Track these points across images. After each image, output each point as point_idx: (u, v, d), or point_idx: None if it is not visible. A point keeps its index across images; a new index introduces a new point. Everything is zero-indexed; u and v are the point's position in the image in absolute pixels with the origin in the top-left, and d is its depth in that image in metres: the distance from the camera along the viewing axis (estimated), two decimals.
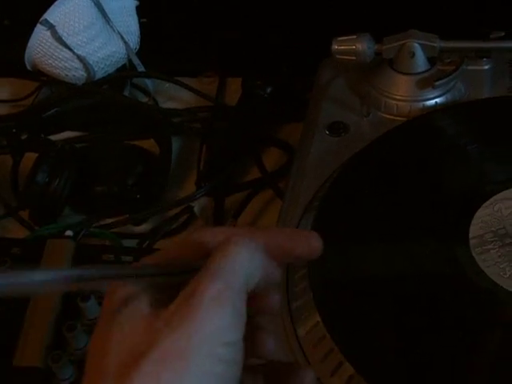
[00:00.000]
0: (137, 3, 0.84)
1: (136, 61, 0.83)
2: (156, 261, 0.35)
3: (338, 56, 0.67)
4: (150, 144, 0.78)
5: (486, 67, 0.68)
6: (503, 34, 0.66)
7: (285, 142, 0.77)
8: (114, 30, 0.81)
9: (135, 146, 0.78)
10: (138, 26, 0.84)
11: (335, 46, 0.67)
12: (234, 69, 0.85)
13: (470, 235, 0.52)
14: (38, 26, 0.78)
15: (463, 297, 0.49)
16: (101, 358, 0.31)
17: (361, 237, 0.54)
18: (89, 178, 0.73)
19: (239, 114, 0.78)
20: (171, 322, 0.31)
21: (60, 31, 0.78)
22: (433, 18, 0.72)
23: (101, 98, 0.81)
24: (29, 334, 0.56)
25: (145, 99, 0.84)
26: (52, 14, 0.78)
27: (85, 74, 0.81)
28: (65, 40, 0.79)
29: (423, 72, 0.66)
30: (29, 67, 0.82)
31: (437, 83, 0.64)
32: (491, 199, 0.54)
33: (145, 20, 0.85)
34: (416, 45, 0.65)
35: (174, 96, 0.85)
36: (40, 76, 0.84)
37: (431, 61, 0.66)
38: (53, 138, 0.78)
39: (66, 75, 0.81)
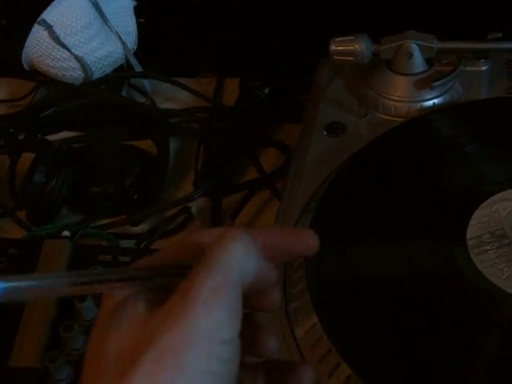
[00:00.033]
0: (134, 3, 0.84)
1: (133, 61, 0.83)
2: (154, 262, 0.35)
3: (335, 57, 0.67)
4: (147, 144, 0.78)
5: (484, 68, 0.68)
6: (501, 35, 0.66)
7: (282, 142, 0.77)
8: (111, 30, 0.81)
9: (133, 147, 0.78)
10: (135, 26, 0.84)
11: (333, 47, 0.67)
12: (231, 69, 0.85)
13: (468, 236, 0.52)
14: (36, 25, 0.78)
15: (461, 297, 0.49)
16: (99, 359, 0.31)
17: (358, 237, 0.54)
18: (86, 178, 0.73)
19: (237, 114, 0.78)
20: (166, 320, 0.30)
21: (57, 31, 0.78)
22: (430, 19, 0.72)
23: (98, 99, 0.80)
24: (25, 335, 0.55)
25: (142, 99, 0.84)
26: (49, 14, 0.78)
27: (82, 74, 0.81)
28: (62, 40, 0.79)
29: (421, 73, 0.66)
30: (26, 67, 0.82)
31: (434, 84, 0.64)
32: (489, 200, 0.54)
33: (142, 20, 0.85)
34: (414, 45, 0.65)
35: (171, 96, 0.85)
36: (37, 76, 0.84)
37: (429, 62, 0.66)
38: (50, 138, 0.78)
39: (64, 75, 0.81)
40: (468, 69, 0.67)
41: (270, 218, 0.68)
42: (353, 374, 0.46)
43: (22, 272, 0.58)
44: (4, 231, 0.71)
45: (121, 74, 0.84)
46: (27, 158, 0.72)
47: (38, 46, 0.79)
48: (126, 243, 0.68)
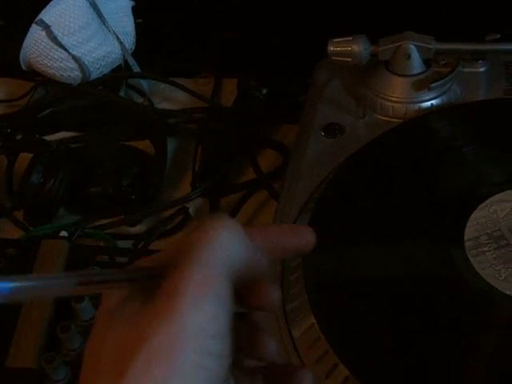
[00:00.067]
0: (132, 4, 0.84)
1: (131, 61, 0.83)
2: (152, 263, 0.35)
3: (333, 57, 0.67)
4: (145, 145, 0.78)
5: (482, 69, 0.68)
6: (499, 36, 0.66)
7: (280, 143, 0.77)
8: (109, 31, 0.81)
9: (130, 147, 0.78)
10: (133, 26, 0.84)
11: (331, 48, 0.67)
12: (230, 69, 0.85)
13: (466, 237, 0.52)
14: (34, 26, 0.78)
15: (459, 299, 0.49)
16: (97, 359, 0.31)
17: (356, 238, 0.54)
18: (84, 178, 0.73)
19: (235, 115, 0.78)
20: (154, 320, 0.30)
21: (55, 31, 0.78)
22: (428, 20, 0.72)
23: (96, 99, 0.80)
24: (22, 335, 0.55)
25: (140, 100, 0.84)
26: (47, 14, 0.78)
27: (80, 75, 0.81)
28: (60, 40, 0.78)
29: (419, 74, 0.66)
30: (24, 67, 0.82)
31: (432, 85, 0.64)
32: (487, 201, 0.54)
33: (140, 20, 0.85)
34: (412, 46, 0.65)
35: (169, 97, 0.85)
36: (35, 76, 0.84)
37: (427, 63, 0.66)
38: (48, 138, 0.78)
39: (62, 75, 0.81)
40: (466, 70, 0.67)
41: (267, 218, 0.68)
42: (350, 375, 0.46)
43: (19, 272, 0.58)
44: (1, 231, 0.71)
45: (119, 74, 0.84)
46: (25, 158, 0.72)
47: (35, 46, 0.79)
48: (123, 244, 0.68)
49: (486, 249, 0.51)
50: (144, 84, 0.85)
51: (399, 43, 0.65)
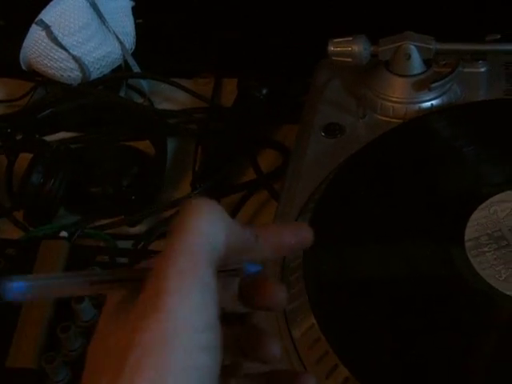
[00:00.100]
0: (132, 4, 0.84)
1: (131, 61, 0.83)
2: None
3: (334, 58, 0.67)
4: (145, 145, 0.78)
5: (482, 70, 0.68)
6: (499, 36, 0.66)
7: (280, 143, 0.77)
8: (109, 31, 0.81)
9: (130, 147, 0.78)
10: (133, 26, 0.84)
11: (331, 48, 0.67)
12: (230, 69, 0.85)
13: (466, 237, 0.52)
14: (34, 26, 0.78)
15: (459, 299, 0.49)
16: (97, 359, 0.31)
17: (356, 239, 0.54)
18: (84, 178, 0.73)
19: (235, 115, 0.78)
20: (143, 315, 0.29)
21: (55, 31, 0.78)
22: (429, 20, 0.72)
23: (96, 99, 0.80)
24: (22, 335, 0.55)
25: (140, 100, 0.84)
26: (47, 15, 0.78)
27: (80, 75, 0.81)
28: (60, 40, 0.78)
29: (419, 74, 0.66)
30: (24, 67, 0.82)
31: (433, 85, 0.64)
32: (487, 201, 0.54)
33: (140, 21, 0.85)
34: (412, 47, 0.65)
35: (169, 97, 0.85)
36: (35, 76, 0.84)
37: (427, 63, 0.66)
38: (48, 138, 0.78)
39: (62, 75, 0.81)
40: (466, 70, 0.67)
41: (267, 218, 0.68)
42: (350, 376, 0.46)
43: (19, 273, 0.58)
44: (1, 232, 0.71)
45: (119, 74, 0.84)
46: (25, 158, 0.72)
47: (35, 47, 0.79)
48: (123, 244, 0.68)
49: (486, 249, 0.51)
50: (144, 84, 0.85)
51: (399, 43, 0.65)
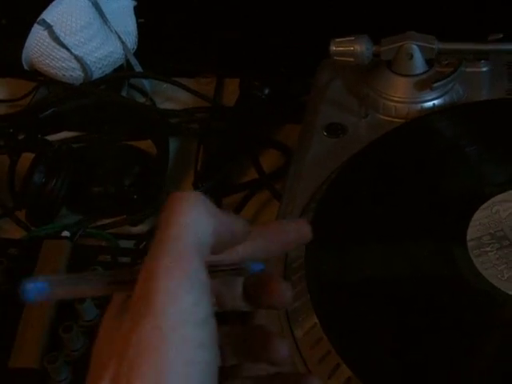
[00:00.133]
0: (135, 3, 0.84)
1: (133, 61, 0.83)
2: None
3: (336, 57, 0.67)
4: (147, 144, 0.78)
5: (484, 69, 0.68)
6: (501, 35, 0.66)
7: (282, 143, 0.77)
8: (111, 30, 0.81)
9: (132, 147, 0.78)
10: (135, 26, 0.84)
11: (333, 48, 0.67)
12: (231, 69, 0.85)
13: (468, 237, 0.52)
14: (36, 25, 0.78)
15: (461, 299, 0.49)
16: (101, 357, 0.31)
17: (358, 238, 0.54)
18: (86, 178, 0.73)
19: (237, 114, 0.78)
20: (138, 316, 0.29)
21: (57, 31, 0.78)
22: (431, 20, 0.71)
23: (98, 99, 0.80)
24: (25, 335, 0.55)
25: (142, 100, 0.84)
26: (49, 14, 0.78)
27: (82, 74, 0.81)
28: (62, 40, 0.79)
29: (421, 74, 0.66)
30: (26, 67, 0.82)
31: (435, 85, 0.64)
32: (489, 201, 0.54)
33: (142, 20, 0.85)
34: (414, 46, 0.65)
35: (171, 96, 0.85)
36: (37, 76, 0.84)
37: (429, 62, 0.66)
38: (50, 138, 0.78)
39: (64, 75, 0.81)
40: (468, 70, 0.67)
41: (269, 218, 0.68)
42: (353, 376, 0.46)
43: (21, 272, 0.58)
44: (3, 231, 0.71)
45: (121, 74, 0.84)
46: (27, 158, 0.72)
47: (37, 46, 0.79)
48: (125, 243, 0.68)
49: (488, 249, 0.51)
50: (146, 84, 0.85)
51: (401, 43, 0.65)
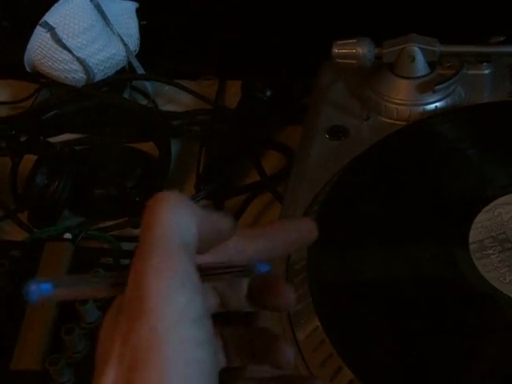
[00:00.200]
0: (137, 5, 0.84)
1: (136, 63, 0.83)
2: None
3: (338, 60, 0.67)
4: (149, 147, 0.78)
5: (486, 72, 0.68)
6: (503, 38, 0.66)
7: (284, 145, 0.77)
8: (113, 33, 0.81)
9: (134, 149, 0.78)
10: (137, 28, 0.84)
11: (335, 50, 0.67)
12: (233, 70, 0.85)
13: (470, 240, 0.52)
14: (38, 27, 0.78)
15: (463, 301, 0.49)
16: (103, 359, 0.31)
17: (361, 241, 0.54)
18: (88, 180, 0.73)
19: (239, 116, 0.78)
20: (132, 317, 0.29)
21: (60, 33, 0.78)
22: (433, 22, 0.71)
23: (100, 101, 0.81)
24: (26, 337, 0.55)
25: (144, 102, 0.84)
26: (52, 16, 0.78)
27: (84, 76, 0.81)
28: (64, 42, 0.79)
29: (423, 76, 0.66)
30: (28, 69, 0.82)
31: (437, 87, 0.64)
32: (491, 204, 0.54)
33: (145, 22, 0.85)
34: (416, 49, 0.65)
35: (173, 99, 0.85)
36: (39, 78, 0.84)
37: (431, 65, 0.66)
38: (52, 140, 0.78)
39: (66, 77, 0.81)
40: (470, 72, 0.67)
41: (271, 220, 0.68)
42: (355, 379, 0.46)
43: (23, 274, 0.58)
44: (6, 233, 0.71)
45: (123, 76, 0.84)
46: (29, 159, 0.72)
47: (40, 48, 0.79)
48: (127, 246, 0.68)
49: (490, 252, 0.51)
50: (148, 86, 0.85)
51: (403, 45, 0.65)
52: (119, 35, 0.82)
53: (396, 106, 0.65)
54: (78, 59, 0.79)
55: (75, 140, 0.80)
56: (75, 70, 0.80)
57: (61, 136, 0.81)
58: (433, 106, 0.65)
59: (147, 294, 0.29)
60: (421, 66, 0.66)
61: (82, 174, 0.72)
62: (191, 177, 0.74)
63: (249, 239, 0.35)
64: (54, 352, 0.54)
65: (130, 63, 0.83)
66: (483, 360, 0.47)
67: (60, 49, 0.79)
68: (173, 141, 0.77)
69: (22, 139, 0.78)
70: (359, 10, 0.78)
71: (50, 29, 0.78)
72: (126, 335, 0.29)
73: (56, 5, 0.78)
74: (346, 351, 0.47)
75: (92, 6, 0.80)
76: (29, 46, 0.79)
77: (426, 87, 0.65)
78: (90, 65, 0.80)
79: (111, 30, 0.81)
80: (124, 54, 0.82)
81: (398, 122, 0.65)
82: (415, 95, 0.65)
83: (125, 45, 0.82)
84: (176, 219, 0.31)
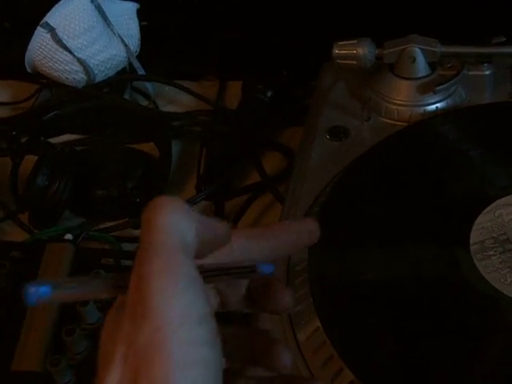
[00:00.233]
0: (137, 6, 0.84)
1: (136, 64, 0.83)
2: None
3: (338, 60, 0.67)
4: (149, 147, 0.78)
5: (487, 72, 0.68)
6: (504, 39, 0.66)
7: (285, 145, 0.77)
8: (114, 33, 0.81)
9: (135, 150, 0.78)
10: (138, 29, 0.84)
11: (336, 51, 0.67)
12: (234, 71, 0.85)
13: (471, 241, 0.52)
14: (39, 28, 0.78)
15: (464, 303, 0.49)
16: (106, 361, 0.31)
17: (361, 242, 0.54)
18: (89, 181, 0.73)
19: (239, 117, 0.78)
20: (136, 319, 0.29)
21: (60, 34, 0.78)
22: (434, 23, 0.71)
23: (101, 101, 0.80)
24: (27, 338, 0.55)
25: (145, 102, 0.84)
26: (52, 17, 0.78)
27: (85, 77, 0.81)
28: (65, 43, 0.79)
29: (424, 77, 0.66)
30: (29, 70, 0.82)
31: (437, 88, 0.64)
32: (492, 205, 0.54)
33: (145, 23, 0.85)
34: (417, 50, 0.65)
35: (174, 99, 0.85)
36: (40, 79, 0.84)
37: (432, 66, 0.66)
38: (53, 140, 0.78)
39: (66, 78, 0.81)
40: (471, 73, 0.67)
41: (272, 221, 0.68)
42: (356, 380, 0.45)
43: (24, 275, 0.58)
44: (6, 234, 0.71)
45: (123, 76, 0.84)
46: (30, 160, 0.72)
47: (40, 49, 0.79)
48: (128, 246, 0.68)
49: (491, 253, 0.51)
50: (149, 86, 0.85)
51: (404, 46, 0.65)
52: (120, 36, 0.82)
53: (397, 107, 0.65)
54: (79, 60, 0.79)
55: (76, 141, 0.80)
56: (76, 70, 0.80)
57: (61, 137, 0.80)
58: (433, 106, 0.65)
59: (150, 294, 0.29)
60: (421, 66, 0.66)
61: (82, 174, 0.72)
62: (192, 177, 0.74)
63: (252, 240, 0.35)
64: (54, 353, 0.54)
65: (130, 64, 0.83)
66: (484, 361, 0.47)
67: (60, 49, 0.79)
68: (173, 141, 0.77)
69: (23, 140, 0.77)
70: (360, 11, 0.78)
71: (51, 29, 0.78)
72: (130, 336, 0.29)
73: (57, 5, 0.78)
74: (347, 352, 0.47)
75: (93, 6, 0.79)
76: (29, 47, 0.79)
77: (427, 88, 0.65)
78: (91, 65, 0.80)
79: (112, 30, 0.81)
80: (125, 54, 0.82)
81: (398, 123, 0.65)
82: (416, 96, 0.65)
83: (125, 45, 0.82)
84: (176, 223, 0.31)
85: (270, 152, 0.77)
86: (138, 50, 0.84)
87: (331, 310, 0.50)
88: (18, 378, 0.54)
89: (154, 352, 0.28)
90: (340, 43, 0.67)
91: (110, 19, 0.81)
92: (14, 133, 0.78)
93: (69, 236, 0.66)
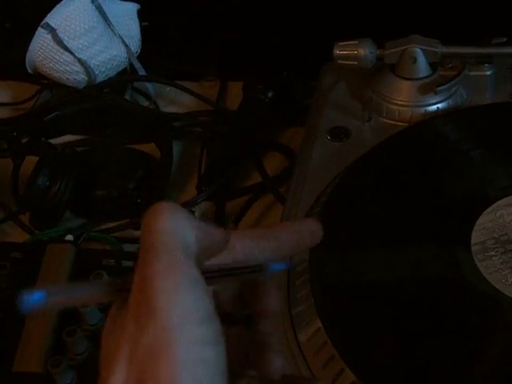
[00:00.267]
0: (138, 7, 0.84)
1: (137, 64, 0.83)
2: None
3: (339, 61, 0.67)
4: (150, 148, 0.78)
5: (488, 73, 0.68)
6: (505, 39, 0.66)
7: (286, 146, 0.77)
8: (115, 34, 0.81)
9: (136, 150, 0.78)
10: (139, 29, 0.84)
11: (337, 51, 0.67)
12: (234, 71, 0.85)
13: (472, 241, 0.52)
14: (39, 29, 0.78)
15: (465, 303, 0.49)
16: (109, 363, 0.31)
17: (362, 242, 0.54)
18: (89, 181, 0.73)
19: (240, 118, 0.78)
20: (139, 318, 0.29)
21: (61, 35, 0.78)
22: (435, 24, 0.71)
23: (101, 102, 0.80)
24: (28, 339, 0.55)
25: (146, 103, 0.84)
26: (53, 18, 0.78)
27: (86, 78, 0.81)
28: (66, 43, 0.79)
29: (425, 77, 0.66)
30: (30, 70, 0.82)
31: (438, 89, 0.64)
32: (493, 205, 0.54)
33: (146, 24, 0.85)
34: (418, 50, 0.65)
35: (174, 100, 0.85)
36: (41, 79, 0.84)
37: (433, 66, 0.66)
38: (53, 141, 0.78)
39: (67, 79, 0.81)
40: (472, 73, 0.67)
41: (273, 222, 0.68)
42: (357, 381, 0.45)
43: (25, 276, 0.58)
44: (7, 235, 0.71)
45: (124, 77, 0.84)
46: (30, 161, 0.72)
47: (41, 50, 0.79)
48: (129, 247, 0.68)
49: (492, 253, 0.51)
50: (150, 87, 0.85)
51: (405, 47, 0.65)
52: (120, 36, 0.82)
53: (398, 108, 0.65)
54: (80, 60, 0.79)
55: (76, 141, 0.80)
56: (76, 71, 0.80)
57: (62, 137, 0.81)
58: (434, 107, 0.65)
59: (154, 295, 0.29)
60: (422, 67, 0.66)
61: (83, 175, 0.72)
62: (193, 178, 0.74)
63: (253, 241, 0.35)
64: (55, 354, 0.54)
65: (131, 64, 0.83)
66: (485, 361, 0.47)
67: (61, 50, 0.79)
68: (174, 142, 0.77)
69: (24, 141, 0.77)
70: (361, 11, 0.78)
71: (52, 30, 0.78)
72: (135, 336, 0.29)
73: (57, 6, 0.78)
74: (348, 353, 0.47)
75: (93, 7, 0.80)
76: (30, 48, 0.79)
77: (428, 88, 0.65)
78: (92, 66, 0.80)
79: (112, 31, 0.81)
80: (125, 55, 0.82)
81: (399, 124, 0.65)
82: (417, 96, 0.65)
83: (126, 46, 0.82)
84: (177, 226, 0.31)
85: (271, 152, 0.77)
86: (139, 50, 0.84)
87: (332, 311, 0.50)
88: (19, 379, 0.54)
89: (159, 352, 0.28)
90: (341, 44, 0.67)
91: (111, 20, 0.81)
92: (15, 133, 0.78)
93: (70, 237, 0.66)
